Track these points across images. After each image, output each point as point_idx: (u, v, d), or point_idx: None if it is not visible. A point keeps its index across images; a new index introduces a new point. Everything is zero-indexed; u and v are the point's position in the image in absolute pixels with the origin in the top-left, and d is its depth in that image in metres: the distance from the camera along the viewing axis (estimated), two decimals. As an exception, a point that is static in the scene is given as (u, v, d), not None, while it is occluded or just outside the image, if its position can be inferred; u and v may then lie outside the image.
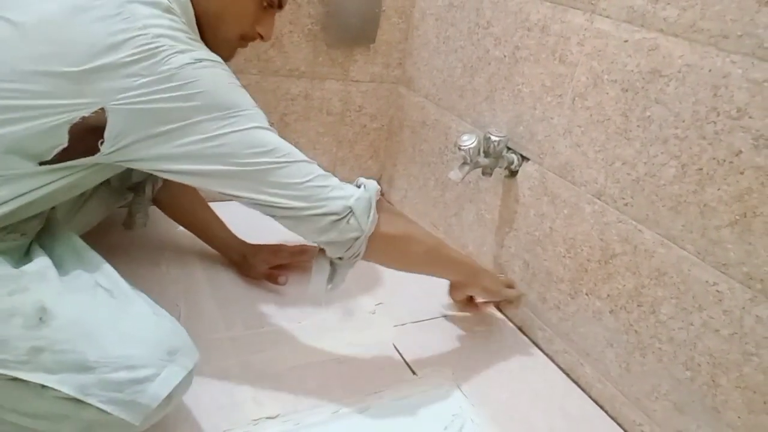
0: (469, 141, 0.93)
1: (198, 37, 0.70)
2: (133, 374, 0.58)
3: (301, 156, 0.70)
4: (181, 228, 1.05)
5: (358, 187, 0.73)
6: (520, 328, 1.02)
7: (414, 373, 0.85)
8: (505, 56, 1.01)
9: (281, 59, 1.19)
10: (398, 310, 1.00)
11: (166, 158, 0.63)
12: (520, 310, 1.02)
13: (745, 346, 0.67)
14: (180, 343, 0.63)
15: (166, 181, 1.00)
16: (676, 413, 0.76)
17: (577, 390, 0.90)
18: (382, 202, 0.75)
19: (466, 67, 1.11)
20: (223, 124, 0.63)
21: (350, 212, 0.70)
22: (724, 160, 0.67)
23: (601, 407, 0.86)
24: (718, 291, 0.69)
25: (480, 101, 1.09)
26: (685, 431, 0.75)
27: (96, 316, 0.61)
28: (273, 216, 0.70)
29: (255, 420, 0.72)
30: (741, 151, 0.65)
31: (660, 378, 0.78)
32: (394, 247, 0.78)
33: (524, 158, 0.99)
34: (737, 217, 0.66)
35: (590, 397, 0.88)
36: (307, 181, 0.68)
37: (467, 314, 1.02)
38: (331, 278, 0.76)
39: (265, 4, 0.77)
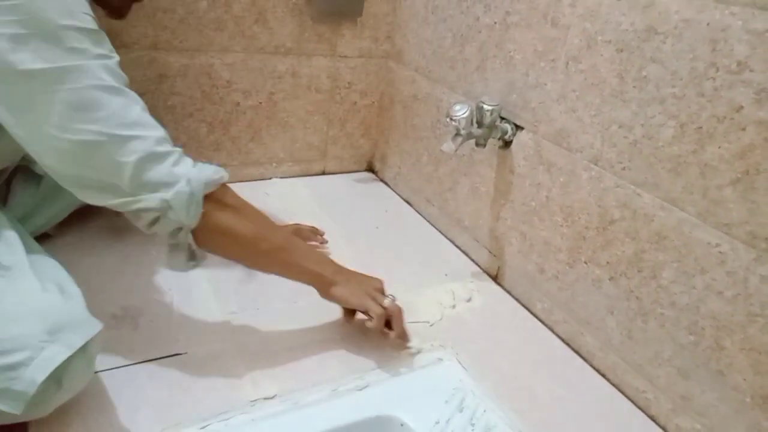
0: (461, 111, 0.91)
1: None
2: (5, 359, 0.52)
3: (134, 127, 0.61)
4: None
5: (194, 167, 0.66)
6: (518, 300, 1.01)
7: (413, 348, 0.84)
8: (495, 23, 0.98)
9: (266, 36, 1.16)
10: (396, 287, 0.98)
11: None
12: (518, 282, 1.01)
13: (750, 307, 0.65)
14: (66, 319, 0.57)
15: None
16: (680, 378, 0.75)
17: (579, 359, 0.89)
18: (225, 194, 0.70)
19: (456, 37, 1.09)
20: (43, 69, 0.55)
21: (168, 206, 0.63)
22: (725, 117, 0.65)
23: (603, 376, 0.85)
24: (720, 252, 0.68)
25: (471, 71, 1.06)
26: (689, 396, 0.74)
27: None
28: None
29: (253, 401, 0.70)
30: (742, 107, 0.63)
31: (663, 344, 0.76)
32: (226, 241, 0.71)
33: (518, 127, 0.97)
34: (739, 175, 0.65)
35: (592, 366, 0.87)
36: (134, 168, 0.60)
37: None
38: (192, 255, 0.70)
39: None
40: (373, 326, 0.78)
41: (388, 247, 1.12)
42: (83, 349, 0.57)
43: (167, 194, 0.62)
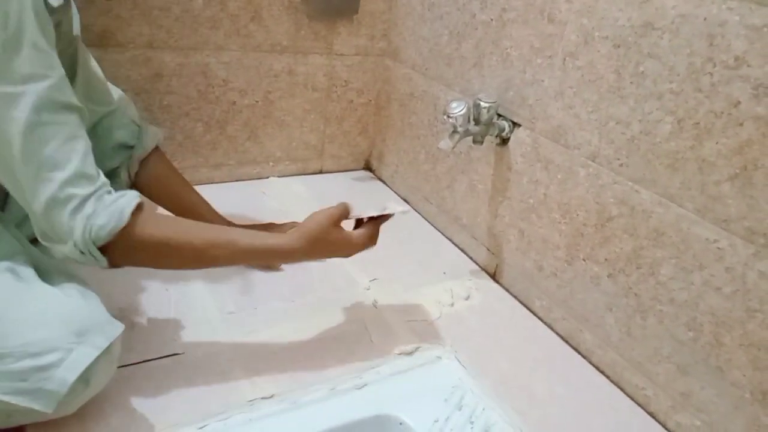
0: (458, 108, 0.91)
1: None
2: (36, 361, 0.55)
3: (43, 169, 0.57)
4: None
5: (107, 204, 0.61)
6: (517, 298, 1.01)
7: (411, 347, 0.83)
8: (492, 20, 0.98)
9: (262, 34, 1.16)
10: (393, 285, 0.98)
11: None
12: (517, 279, 1.01)
13: (749, 302, 0.65)
14: (91, 321, 0.59)
15: (146, 164, 0.97)
16: (679, 375, 0.74)
17: (578, 357, 0.89)
18: (141, 222, 0.63)
19: (453, 34, 1.08)
20: None
21: (76, 252, 0.60)
22: (722, 113, 0.65)
23: (603, 373, 0.85)
24: (719, 248, 0.68)
25: (468, 68, 1.06)
26: (689, 393, 0.73)
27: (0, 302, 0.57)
28: None
29: (251, 401, 0.70)
30: (739, 102, 0.63)
31: (662, 340, 0.76)
32: (147, 258, 0.68)
33: (515, 124, 0.96)
34: (737, 171, 0.64)
35: (591, 363, 0.87)
36: (39, 209, 0.58)
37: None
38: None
39: None
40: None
41: (386, 245, 1.12)
42: (107, 348, 0.60)
43: (65, 248, 0.60)
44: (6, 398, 0.54)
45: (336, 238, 0.72)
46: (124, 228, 0.61)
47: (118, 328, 0.62)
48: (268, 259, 0.77)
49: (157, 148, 0.92)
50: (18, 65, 0.54)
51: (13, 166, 0.57)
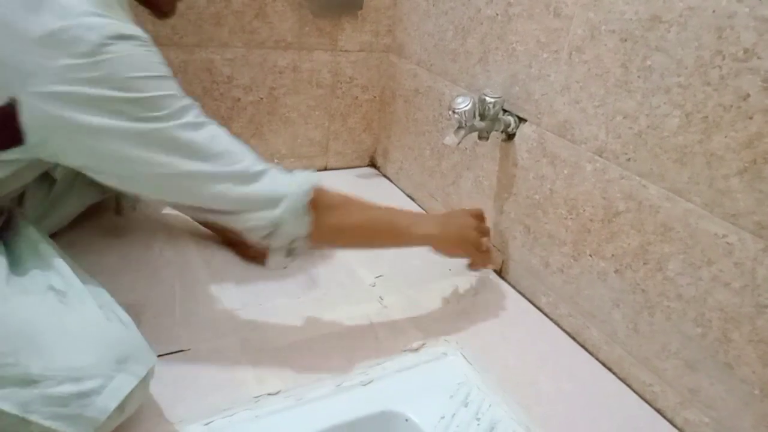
0: (463, 103, 0.90)
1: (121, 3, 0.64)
2: (78, 387, 0.54)
3: (231, 156, 0.64)
4: (174, 210, 1.03)
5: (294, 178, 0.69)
6: (523, 294, 1.00)
7: (417, 343, 0.83)
8: (497, 14, 0.97)
9: (266, 30, 1.15)
10: (399, 282, 0.98)
11: (85, 156, 0.60)
12: (523, 276, 1.00)
13: (758, 298, 0.65)
14: (131, 349, 0.59)
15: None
16: (687, 371, 0.74)
17: (584, 353, 0.88)
18: (323, 194, 0.71)
19: (458, 29, 1.08)
20: (143, 123, 0.58)
21: (280, 222, 0.66)
22: (731, 106, 0.64)
23: (610, 369, 0.85)
24: (727, 243, 0.67)
25: (473, 64, 1.05)
26: (697, 389, 0.73)
27: (42, 323, 0.57)
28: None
29: (256, 397, 0.70)
30: (749, 95, 0.62)
31: (669, 336, 0.76)
32: (339, 238, 0.77)
33: (521, 119, 0.96)
34: (746, 165, 0.64)
35: (598, 359, 0.87)
36: (234, 192, 0.64)
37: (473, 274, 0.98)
38: (290, 252, 0.72)
39: None
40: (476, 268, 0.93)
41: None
42: (144, 376, 0.60)
43: (275, 212, 0.65)
44: (47, 423, 0.53)
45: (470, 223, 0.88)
46: (317, 188, 0.69)
47: (153, 356, 0.62)
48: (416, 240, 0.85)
49: None
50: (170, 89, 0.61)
51: (184, 166, 0.61)
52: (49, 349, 0.55)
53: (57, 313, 0.59)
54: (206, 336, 0.79)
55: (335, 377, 0.75)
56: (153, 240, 1.00)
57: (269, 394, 0.71)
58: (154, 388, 0.69)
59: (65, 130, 0.57)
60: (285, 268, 0.73)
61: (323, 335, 0.83)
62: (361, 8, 1.23)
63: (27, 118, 0.56)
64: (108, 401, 0.56)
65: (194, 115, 0.62)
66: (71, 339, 0.57)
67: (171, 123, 0.60)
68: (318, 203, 0.69)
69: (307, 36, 1.21)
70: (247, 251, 0.97)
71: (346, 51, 1.27)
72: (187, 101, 0.62)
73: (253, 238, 0.68)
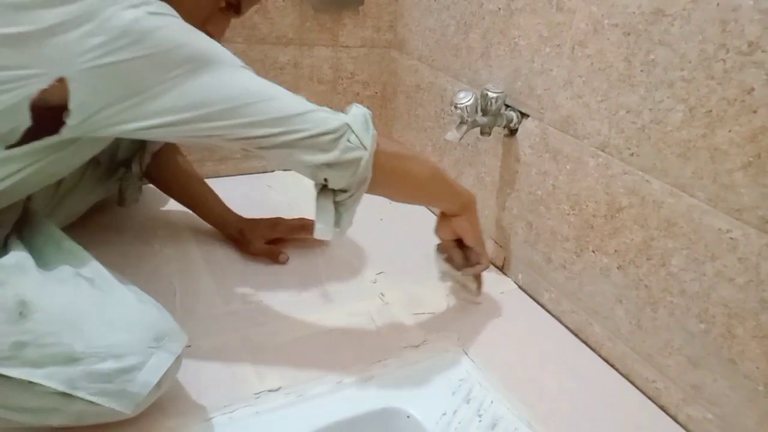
0: (465, 98, 0.90)
1: None
2: (120, 363, 0.56)
3: (285, 91, 0.65)
4: (175, 205, 1.02)
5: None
6: (525, 290, 1.00)
7: (418, 340, 0.83)
8: (499, 9, 0.97)
9: (267, 26, 1.15)
10: (400, 279, 0.98)
11: (143, 118, 0.59)
12: (525, 272, 1.00)
13: (763, 293, 0.64)
14: (166, 328, 0.61)
15: (157, 156, 0.97)
16: (690, 367, 0.73)
17: (587, 350, 0.88)
18: (381, 131, 0.70)
19: (460, 24, 1.07)
20: (196, 75, 0.59)
21: (348, 128, 0.65)
22: (735, 100, 0.64)
23: (612, 366, 0.84)
24: (731, 238, 0.66)
25: (475, 59, 1.05)
26: (700, 385, 0.72)
27: (79, 306, 0.59)
28: (261, 151, 0.65)
29: (257, 394, 0.70)
30: (753, 89, 0.62)
31: (673, 332, 0.75)
32: (399, 166, 0.73)
33: (524, 115, 0.95)
34: (751, 159, 0.63)
35: (600, 356, 0.86)
36: (297, 110, 0.63)
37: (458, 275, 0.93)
38: (337, 221, 0.71)
39: (222, 4, 0.72)
40: (475, 272, 0.90)
41: (393, 238, 1.12)
42: (179, 355, 0.62)
43: (345, 117, 0.66)
44: (92, 398, 0.55)
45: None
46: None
47: (184, 335, 0.63)
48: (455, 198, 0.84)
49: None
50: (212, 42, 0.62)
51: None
52: (89, 329, 0.57)
53: (92, 297, 0.61)
54: (207, 332, 0.79)
55: (336, 374, 0.75)
56: (153, 236, 0.99)
57: (270, 391, 0.70)
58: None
59: (116, 102, 0.58)
60: (332, 238, 0.70)
61: (324, 332, 0.83)
62: (362, 3, 1.22)
63: (75, 96, 0.56)
64: (149, 376, 0.57)
65: (239, 61, 0.64)
66: (110, 320, 0.59)
67: (227, 69, 0.61)
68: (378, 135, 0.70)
69: (308, 32, 1.20)
70: (248, 247, 0.97)
71: (347, 47, 1.27)
72: (227, 52, 0.63)
73: (311, 158, 0.65)
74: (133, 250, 0.95)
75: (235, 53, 0.64)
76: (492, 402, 0.74)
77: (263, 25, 1.14)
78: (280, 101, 0.63)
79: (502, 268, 1.05)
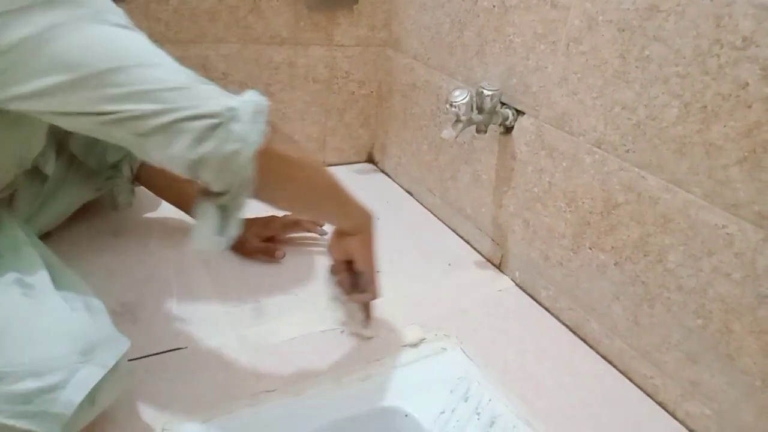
0: (460, 97, 0.90)
1: None
2: (40, 382, 0.51)
3: (166, 60, 0.55)
4: (169, 207, 1.02)
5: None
6: (522, 288, 1.00)
7: (416, 339, 0.83)
8: (494, 6, 0.97)
9: (261, 25, 1.15)
10: (397, 277, 0.97)
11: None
12: (522, 270, 0.99)
13: (759, 288, 0.64)
14: (98, 337, 0.56)
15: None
16: (688, 363, 0.73)
17: (584, 346, 0.88)
18: (277, 128, 0.59)
19: (455, 22, 1.07)
20: (52, 18, 0.48)
21: (233, 115, 0.53)
22: (730, 95, 0.64)
23: (610, 362, 0.84)
24: (728, 233, 0.66)
25: (470, 57, 1.04)
26: (698, 381, 0.72)
27: (3, 318, 0.54)
28: (141, 140, 0.53)
29: (255, 394, 0.70)
30: (748, 84, 0.62)
31: (670, 328, 0.75)
32: (286, 171, 0.61)
33: (519, 112, 0.95)
34: (746, 154, 0.63)
35: (598, 353, 0.86)
36: (172, 84, 0.52)
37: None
38: (221, 228, 0.59)
39: None
40: (360, 300, 0.82)
41: (390, 238, 1.11)
42: (114, 366, 0.56)
43: (232, 102, 0.54)
44: (11, 422, 0.50)
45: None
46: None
47: (125, 344, 0.59)
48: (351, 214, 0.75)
49: None
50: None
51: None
52: (8, 344, 0.53)
53: (19, 307, 0.56)
54: (204, 334, 0.78)
55: (334, 373, 0.74)
56: (149, 238, 0.99)
57: (268, 391, 0.70)
58: (152, 386, 0.68)
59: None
60: (214, 249, 0.60)
61: (321, 332, 0.82)
62: (356, 2, 1.22)
63: None
64: (73, 395, 0.52)
65: (120, 18, 0.56)
66: (32, 333, 0.54)
67: (91, 20, 0.52)
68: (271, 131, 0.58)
69: (302, 31, 1.20)
70: (244, 246, 0.97)
71: (342, 46, 1.26)
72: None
73: (184, 151, 0.53)
74: (130, 251, 0.94)
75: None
76: (490, 400, 0.73)
77: (257, 25, 1.14)
78: (157, 71, 0.53)
79: (499, 266, 1.05)
